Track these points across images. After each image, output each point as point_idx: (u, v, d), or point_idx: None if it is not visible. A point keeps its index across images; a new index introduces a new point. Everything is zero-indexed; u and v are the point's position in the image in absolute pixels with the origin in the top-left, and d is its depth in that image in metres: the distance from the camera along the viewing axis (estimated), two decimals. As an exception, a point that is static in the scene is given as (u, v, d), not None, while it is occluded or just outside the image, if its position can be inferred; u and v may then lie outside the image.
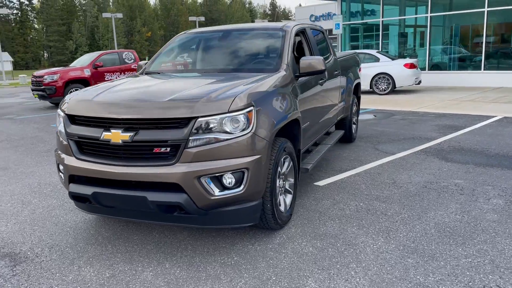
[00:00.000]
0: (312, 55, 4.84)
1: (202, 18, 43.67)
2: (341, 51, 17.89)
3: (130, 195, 3.00)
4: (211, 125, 2.95)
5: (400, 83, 13.33)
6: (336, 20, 11.39)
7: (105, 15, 37.57)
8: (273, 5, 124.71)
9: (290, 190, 3.81)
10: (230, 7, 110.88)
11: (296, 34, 4.72)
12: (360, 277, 2.83)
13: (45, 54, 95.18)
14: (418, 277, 2.82)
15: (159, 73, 4.38)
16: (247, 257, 3.16)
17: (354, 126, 6.89)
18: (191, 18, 42.70)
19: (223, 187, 3.02)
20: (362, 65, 13.33)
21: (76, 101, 3.34)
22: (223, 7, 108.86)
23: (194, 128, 2.91)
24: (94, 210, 3.46)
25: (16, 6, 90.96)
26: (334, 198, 4.31)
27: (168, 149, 2.94)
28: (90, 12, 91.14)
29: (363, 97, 12.91)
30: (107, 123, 3.06)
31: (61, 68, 14.56)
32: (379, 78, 13.40)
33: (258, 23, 4.96)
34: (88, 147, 3.18)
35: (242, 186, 3.04)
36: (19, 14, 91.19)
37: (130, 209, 3.18)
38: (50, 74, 13.21)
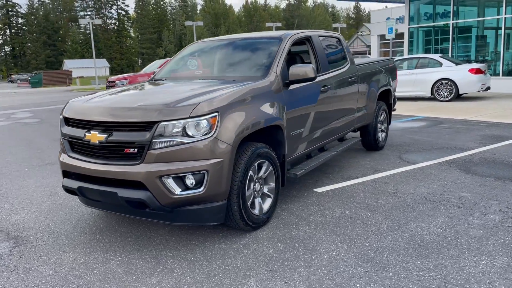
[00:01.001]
0: (317, 62, 4.92)
1: (279, 24, 44.27)
2: (407, 55, 17.24)
3: (105, 190, 3.37)
4: (174, 129, 3.21)
5: (464, 89, 12.55)
6: (389, 24, 11.04)
7: (187, 23, 39.72)
8: (357, 8, 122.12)
9: (270, 194, 3.94)
10: (312, 12, 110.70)
11: (298, 43, 4.83)
12: (300, 281, 2.92)
13: (139, 61, 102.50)
14: (358, 285, 2.83)
15: (162, 80, 4.75)
16: (208, 254, 3.37)
17: (382, 134, 6.74)
18: (267, 24, 43.49)
19: (185, 187, 3.27)
20: (423, 70, 12.88)
21: (72, 105, 3.81)
22: (305, 12, 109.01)
23: (157, 131, 3.19)
24: (89, 204, 3.89)
25: (115, 17, 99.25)
26: (324, 205, 4.35)
27: (136, 150, 3.26)
28: (179, 21, 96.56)
29: (420, 104, 12.41)
30: (88, 125, 3.47)
31: (131, 74, 15.83)
32: (441, 84, 12.73)
33: (262, 32, 5.13)
34: (76, 146, 3.61)
35: (202, 187, 3.26)
36: (116, 24, 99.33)
37: (110, 203, 3.56)
38: (121, 80, 14.45)
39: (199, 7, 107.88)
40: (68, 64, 79.50)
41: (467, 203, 4.24)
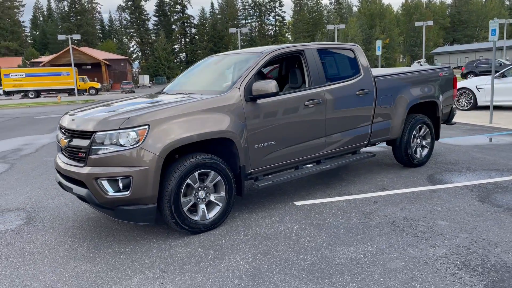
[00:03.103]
0: (308, 76, 4.93)
1: (430, 23, 41.06)
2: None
3: (68, 186, 4.13)
4: (107, 138, 3.77)
5: None
6: (492, 26, 9.64)
7: (329, 27, 39.81)
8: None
9: (218, 202, 4.20)
10: (484, 7, 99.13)
11: (292, 57, 4.92)
12: (177, 284, 3.18)
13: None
14: (215, 295, 2.99)
15: (161, 93, 5.33)
16: (136, 250, 3.84)
17: (421, 149, 6.19)
18: (417, 24, 40.70)
19: (118, 189, 3.81)
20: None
21: (66, 114, 4.66)
22: (474, 7, 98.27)
23: (94, 140, 3.80)
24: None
25: (272, 23, 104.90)
26: (282, 218, 4.39)
27: (83, 154, 3.92)
28: (332, 23, 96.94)
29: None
30: (63, 132, 4.27)
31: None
32: None
33: (253, 48, 5.29)
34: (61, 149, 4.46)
35: (129, 191, 3.76)
36: (273, 29, 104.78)
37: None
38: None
39: (354, 9, 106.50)
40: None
41: (430, 233, 3.83)
